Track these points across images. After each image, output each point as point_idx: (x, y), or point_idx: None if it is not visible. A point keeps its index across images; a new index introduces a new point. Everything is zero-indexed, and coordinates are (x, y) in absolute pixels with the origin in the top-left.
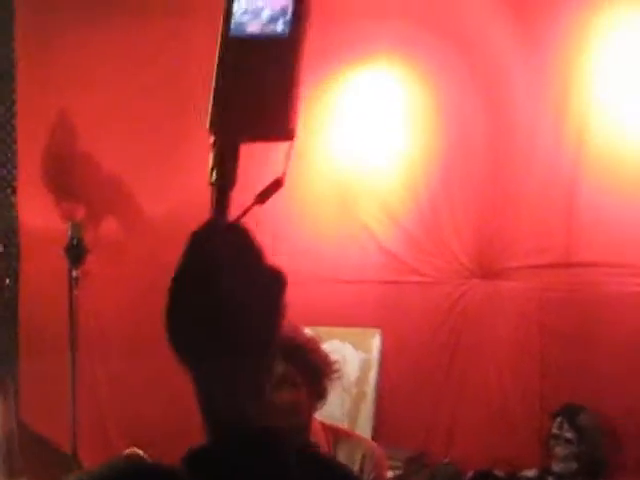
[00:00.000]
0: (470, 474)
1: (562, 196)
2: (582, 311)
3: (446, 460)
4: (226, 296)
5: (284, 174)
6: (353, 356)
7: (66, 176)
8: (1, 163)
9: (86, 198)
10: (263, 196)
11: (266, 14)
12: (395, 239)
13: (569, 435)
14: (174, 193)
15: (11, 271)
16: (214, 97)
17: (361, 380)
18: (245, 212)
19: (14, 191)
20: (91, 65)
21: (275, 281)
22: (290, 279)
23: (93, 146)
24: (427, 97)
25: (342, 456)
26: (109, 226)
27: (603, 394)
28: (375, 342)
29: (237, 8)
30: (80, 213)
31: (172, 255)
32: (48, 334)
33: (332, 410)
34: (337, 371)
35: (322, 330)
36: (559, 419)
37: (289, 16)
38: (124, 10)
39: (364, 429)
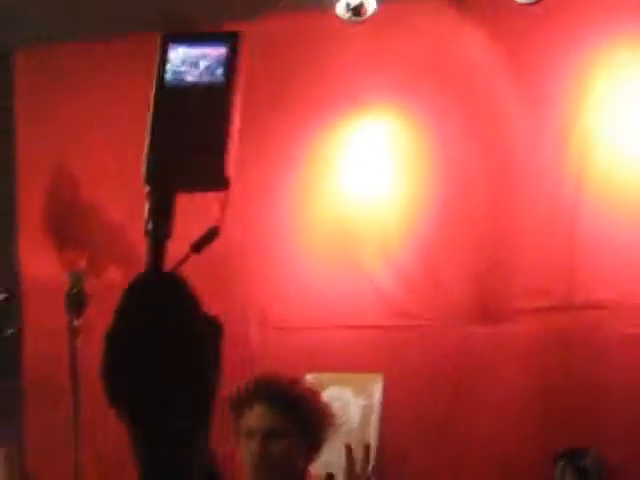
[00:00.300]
0: None
1: (563, 237)
2: (586, 354)
3: None
4: (164, 348)
5: (220, 223)
6: (354, 402)
7: (67, 225)
8: (2, 212)
9: (88, 247)
10: (199, 245)
11: (203, 64)
12: (395, 284)
13: (572, 479)
14: (175, 243)
15: (14, 320)
16: (149, 147)
17: (363, 426)
18: (181, 262)
19: (15, 240)
20: (92, 115)
21: (212, 328)
22: (291, 325)
23: (94, 195)
24: (426, 143)
25: None
26: (111, 275)
27: (607, 438)
28: (377, 387)
29: (174, 57)
30: (82, 262)
31: None
32: (51, 383)
33: (334, 457)
34: (335, 423)
35: (323, 376)
36: (562, 463)
37: (225, 65)
38: (127, 66)
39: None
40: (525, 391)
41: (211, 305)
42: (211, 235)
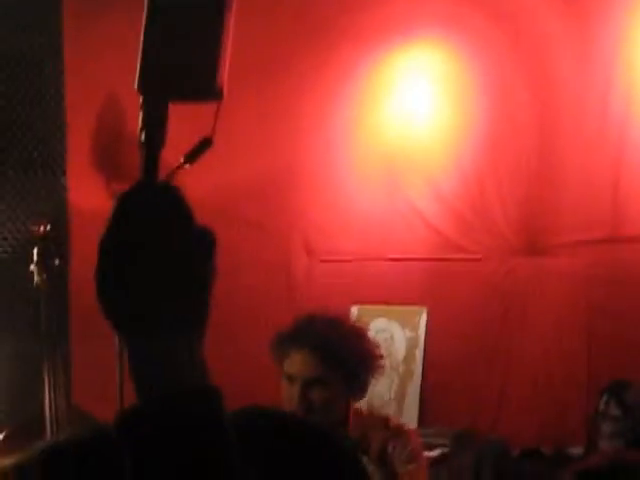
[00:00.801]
0: (517, 452)
1: (608, 171)
2: (629, 288)
3: (493, 437)
4: (157, 257)
5: (213, 133)
6: (400, 334)
7: (115, 157)
8: (51, 145)
9: (136, 178)
10: (192, 156)
11: None
12: (441, 216)
13: (616, 412)
14: (220, 172)
15: (61, 252)
16: (142, 58)
17: (408, 358)
18: (174, 172)
19: (64, 173)
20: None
21: (206, 240)
22: (337, 257)
23: None
24: (473, 73)
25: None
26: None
27: None
28: (422, 320)
29: None
30: (119, 186)
31: (220, 234)
32: (98, 315)
33: (380, 389)
34: (381, 364)
35: (369, 308)
36: (605, 396)
37: None
38: None
39: (411, 407)
40: (569, 323)
41: (255, 236)
42: (204, 145)
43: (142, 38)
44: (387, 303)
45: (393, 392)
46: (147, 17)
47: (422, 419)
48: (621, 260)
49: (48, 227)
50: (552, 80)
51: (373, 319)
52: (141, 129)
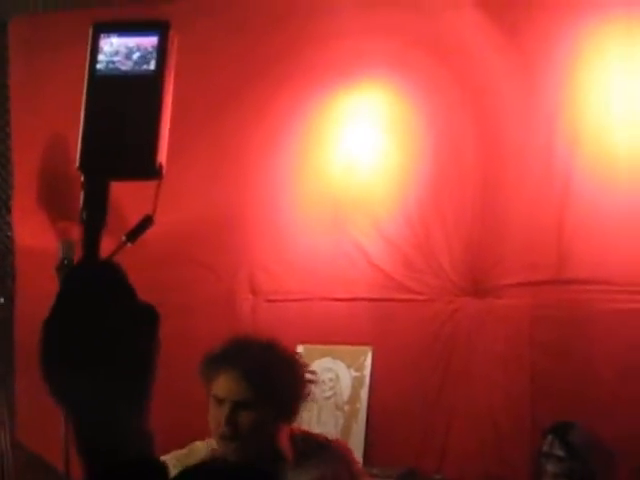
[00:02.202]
0: None
1: (553, 213)
2: (573, 328)
3: (438, 477)
4: (100, 335)
5: (154, 211)
6: (345, 374)
7: (62, 196)
8: None
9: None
10: (133, 234)
11: (134, 54)
12: (386, 256)
13: (560, 453)
14: (166, 213)
15: (6, 290)
16: (82, 136)
17: (353, 398)
18: (115, 251)
19: (9, 211)
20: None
21: (149, 316)
22: (282, 297)
23: None
24: (418, 115)
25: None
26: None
27: (594, 411)
28: (367, 360)
29: (106, 47)
30: (74, 232)
31: (164, 274)
32: None
33: (326, 429)
34: (310, 391)
35: (314, 348)
36: (550, 437)
37: (156, 55)
38: None
39: (356, 447)
40: (514, 365)
41: (200, 276)
42: (145, 224)
43: (82, 116)
44: (332, 343)
45: (338, 431)
46: (87, 95)
47: (367, 459)
48: (565, 302)
49: None
50: (498, 123)
51: (318, 358)
52: (82, 208)
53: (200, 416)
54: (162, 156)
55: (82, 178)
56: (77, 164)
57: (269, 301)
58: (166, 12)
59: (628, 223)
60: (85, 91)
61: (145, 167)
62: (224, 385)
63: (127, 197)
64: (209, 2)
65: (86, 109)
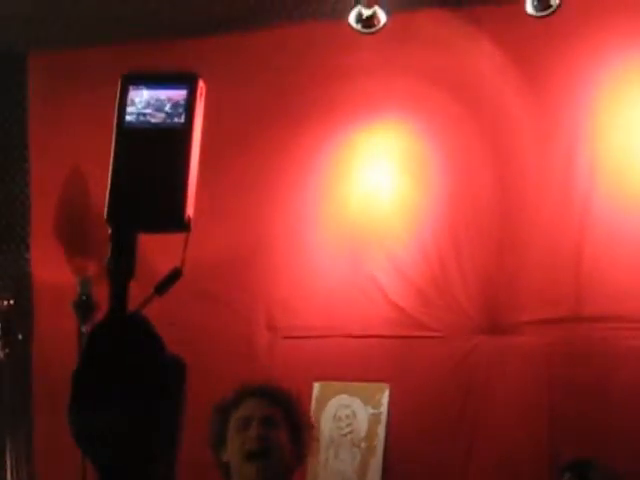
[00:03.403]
0: None
1: (571, 249)
2: (592, 365)
3: None
4: (128, 389)
5: (183, 264)
6: (362, 411)
7: (78, 232)
8: (15, 219)
9: (97, 254)
10: (162, 287)
11: (163, 106)
12: (403, 293)
13: None
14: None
15: (23, 326)
16: (110, 188)
17: (370, 435)
18: (144, 303)
19: (27, 247)
20: (107, 122)
21: (178, 367)
22: (299, 333)
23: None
24: (435, 153)
25: None
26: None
27: (612, 449)
28: (384, 397)
29: (135, 98)
30: (91, 269)
31: (179, 309)
32: (60, 388)
33: (343, 466)
34: (314, 438)
35: (331, 385)
36: (568, 474)
37: (185, 108)
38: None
39: None
40: (532, 402)
41: (217, 312)
42: (174, 276)
43: (110, 167)
44: (349, 380)
45: (355, 468)
46: (115, 145)
47: None
48: (583, 338)
49: (11, 302)
50: (514, 157)
51: (335, 395)
52: (109, 259)
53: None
54: (190, 209)
55: (110, 230)
56: (105, 216)
57: (286, 337)
58: (189, 49)
59: None
60: (114, 142)
61: (174, 220)
62: (250, 407)
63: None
64: (232, 39)
65: (115, 160)
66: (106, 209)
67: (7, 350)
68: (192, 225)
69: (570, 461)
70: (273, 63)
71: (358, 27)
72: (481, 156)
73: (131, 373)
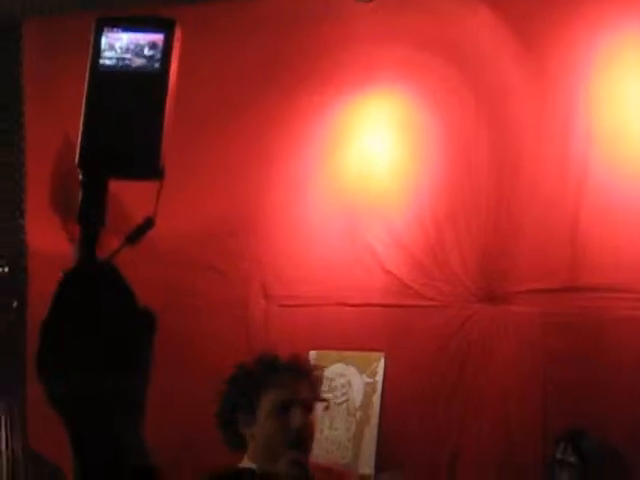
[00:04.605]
0: None
1: (566, 220)
2: (586, 335)
3: None
4: (97, 338)
5: (155, 213)
6: (358, 380)
7: (73, 199)
8: (10, 187)
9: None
10: (134, 236)
11: (139, 51)
12: (400, 262)
13: (573, 460)
14: (180, 217)
15: (18, 293)
16: (82, 134)
17: (365, 404)
18: (115, 253)
19: (22, 214)
20: None
21: (147, 319)
22: (295, 302)
23: None
24: (432, 123)
25: None
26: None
27: (607, 418)
28: (379, 366)
29: (110, 42)
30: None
31: (175, 277)
32: None
33: (339, 434)
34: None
35: (327, 354)
36: (563, 444)
37: (161, 53)
38: None
39: (368, 453)
40: (526, 371)
41: (214, 280)
42: (146, 226)
43: (83, 112)
44: (345, 349)
45: (351, 436)
46: (88, 90)
47: (379, 464)
48: (577, 308)
49: (6, 269)
50: (511, 127)
51: (331, 364)
52: (80, 207)
53: (210, 420)
54: (164, 157)
55: (80, 176)
56: (76, 161)
57: (282, 306)
58: (180, 17)
59: None
60: (87, 86)
61: (148, 168)
62: (288, 385)
63: (130, 195)
64: (227, 6)
65: (87, 105)
66: (77, 155)
67: (2, 316)
68: (188, 193)
69: (564, 431)
70: (269, 32)
71: None
72: (478, 126)
73: (99, 323)
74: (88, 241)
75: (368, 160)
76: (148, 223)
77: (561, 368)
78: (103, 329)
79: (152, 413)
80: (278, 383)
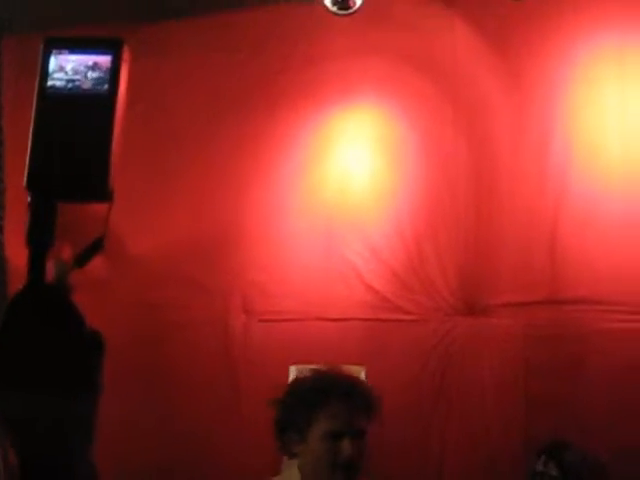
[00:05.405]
0: None
1: (545, 233)
2: (566, 348)
3: None
4: (44, 360)
5: (104, 235)
6: None
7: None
8: None
9: (72, 237)
10: (83, 259)
11: (86, 72)
12: (379, 276)
13: (554, 473)
14: (160, 232)
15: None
16: (30, 155)
17: None
18: (63, 275)
19: (2, 230)
20: None
21: (94, 343)
22: (275, 317)
23: None
24: (410, 136)
25: None
26: (95, 267)
27: (587, 430)
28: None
29: (59, 64)
30: (67, 253)
31: (156, 292)
32: None
33: None
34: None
35: (306, 368)
36: (544, 456)
37: (110, 75)
38: None
39: None
40: (507, 384)
41: (194, 295)
42: (95, 247)
43: (30, 137)
44: (325, 363)
45: None
46: (35, 111)
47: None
48: (557, 321)
49: None
50: (489, 139)
51: None
52: (28, 229)
53: (199, 427)
54: (112, 179)
55: (29, 198)
56: (24, 184)
57: (262, 321)
58: (153, 34)
59: (620, 242)
60: (34, 108)
61: (97, 191)
62: (342, 414)
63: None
64: (205, 21)
65: (35, 126)
66: (25, 178)
67: None
68: (169, 208)
69: (546, 443)
70: (247, 46)
71: (334, 9)
72: (456, 139)
73: (46, 346)
74: (36, 263)
75: (347, 175)
76: (97, 245)
77: (542, 380)
78: (49, 352)
79: (134, 427)
80: (331, 413)
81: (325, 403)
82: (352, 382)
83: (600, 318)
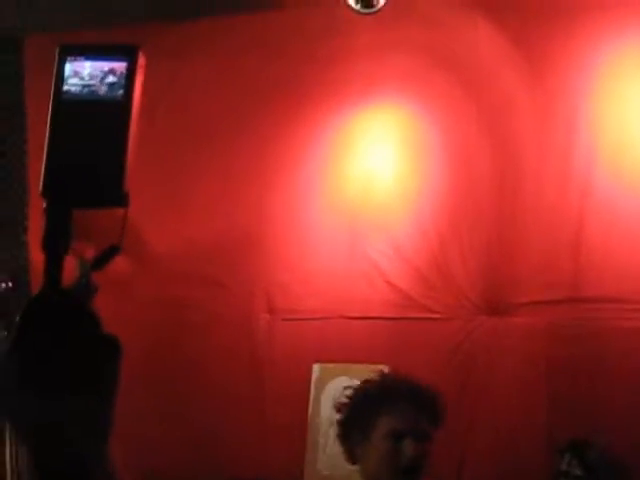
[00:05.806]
0: None
1: (569, 233)
2: (590, 346)
3: None
4: (61, 366)
5: (121, 240)
6: None
7: (77, 215)
8: (13, 203)
9: (95, 237)
10: (99, 263)
11: (102, 79)
12: (403, 275)
13: (578, 472)
14: (183, 232)
15: (22, 309)
16: (46, 162)
17: None
18: (80, 279)
19: (25, 230)
20: None
21: (111, 348)
22: (299, 316)
23: None
24: (433, 135)
25: None
26: (118, 266)
27: (611, 429)
28: None
29: (73, 70)
30: (90, 252)
31: (178, 291)
32: None
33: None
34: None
35: (330, 367)
36: (568, 455)
37: (125, 81)
38: None
39: None
40: (530, 383)
41: (217, 295)
42: (111, 252)
43: (46, 143)
44: (349, 362)
45: None
46: (51, 118)
47: None
48: (582, 320)
49: (9, 284)
50: (513, 139)
51: (334, 377)
52: (44, 235)
53: (222, 428)
54: (126, 184)
55: (45, 205)
56: (40, 190)
57: (285, 320)
58: (187, 32)
59: None
60: (50, 114)
61: (112, 196)
62: (405, 415)
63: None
64: (228, 20)
65: (51, 133)
66: (41, 183)
67: (5, 333)
68: (192, 208)
69: (569, 442)
70: (268, 47)
71: (357, 7)
72: (480, 138)
73: (64, 351)
74: (53, 268)
75: (371, 174)
76: (113, 250)
77: (565, 380)
78: (66, 357)
79: (158, 427)
80: (396, 412)
81: (391, 402)
82: (420, 386)
83: (624, 317)
